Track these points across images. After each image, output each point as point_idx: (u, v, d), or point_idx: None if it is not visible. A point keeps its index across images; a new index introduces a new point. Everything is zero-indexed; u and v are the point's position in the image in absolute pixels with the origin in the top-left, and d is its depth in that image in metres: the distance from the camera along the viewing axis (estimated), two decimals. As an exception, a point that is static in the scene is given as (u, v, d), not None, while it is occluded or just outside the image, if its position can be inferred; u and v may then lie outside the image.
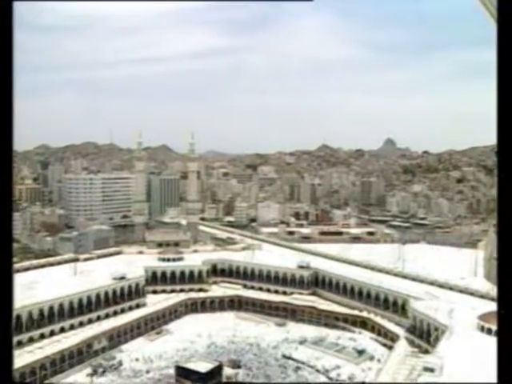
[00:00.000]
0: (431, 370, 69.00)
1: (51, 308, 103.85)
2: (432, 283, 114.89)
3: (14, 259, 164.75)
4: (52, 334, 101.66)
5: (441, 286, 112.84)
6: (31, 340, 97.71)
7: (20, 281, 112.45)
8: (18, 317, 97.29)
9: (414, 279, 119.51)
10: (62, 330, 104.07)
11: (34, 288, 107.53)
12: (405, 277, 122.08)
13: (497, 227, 27.60)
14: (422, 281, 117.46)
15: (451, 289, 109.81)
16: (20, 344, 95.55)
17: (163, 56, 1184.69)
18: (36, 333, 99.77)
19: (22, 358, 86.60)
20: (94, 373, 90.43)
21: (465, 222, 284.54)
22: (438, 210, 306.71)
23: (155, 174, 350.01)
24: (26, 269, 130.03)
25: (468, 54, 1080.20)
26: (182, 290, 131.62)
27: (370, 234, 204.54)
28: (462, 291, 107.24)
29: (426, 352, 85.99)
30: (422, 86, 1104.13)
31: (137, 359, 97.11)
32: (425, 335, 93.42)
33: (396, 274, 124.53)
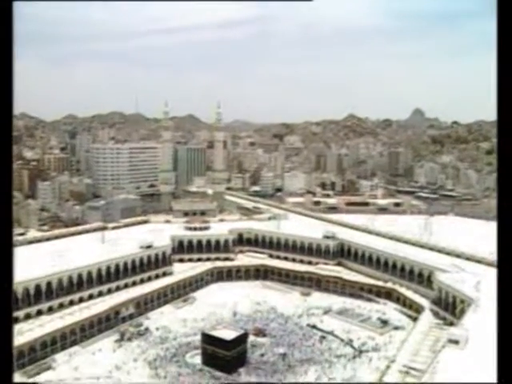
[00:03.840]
0: (456, 342, 68.81)
1: (80, 275, 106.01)
2: (459, 255, 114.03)
3: (45, 227, 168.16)
4: (81, 300, 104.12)
5: (468, 258, 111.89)
6: (61, 306, 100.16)
7: (50, 249, 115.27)
8: (49, 283, 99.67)
9: (440, 251, 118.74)
10: (91, 296, 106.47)
11: (63, 256, 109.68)
12: (431, 248, 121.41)
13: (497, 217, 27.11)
14: (448, 253, 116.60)
15: (478, 261, 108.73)
16: (50, 310, 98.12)
17: (191, 25, 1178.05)
18: (66, 299, 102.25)
19: (53, 323, 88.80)
20: (122, 339, 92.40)
21: (494, 194, 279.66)
22: (467, 182, 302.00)
23: (182, 143, 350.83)
24: (56, 237, 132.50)
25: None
26: (208, 259, 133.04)
27: (397, 204, 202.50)
28: (489, 264, 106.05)
29: (451, 324, 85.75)
30: (452, 54, 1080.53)
31: (163, 326, 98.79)
32: (450, 307, 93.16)
33: (422, 246, 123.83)
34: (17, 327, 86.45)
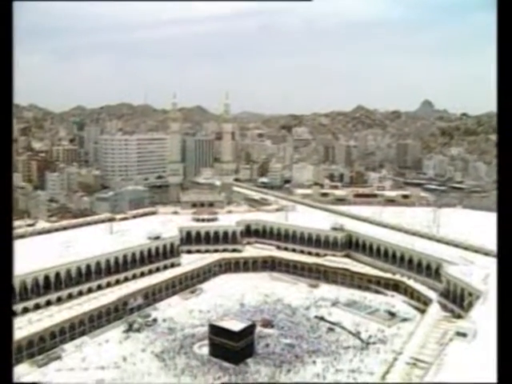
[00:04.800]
0: (464, 335, 68.62)
1: (88, 266, 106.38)
2: (467, 248, 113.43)
3: (54, 218, 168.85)
4: (90, 291, 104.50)
5: (476, 250, 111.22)
6: (70, 297, 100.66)
7: (59, 239, 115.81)
8: (57, 274, 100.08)
9: (448, 243, 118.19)
10: (99, 287, 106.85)
11: (72, 246, 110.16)
12: (439, 241, 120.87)
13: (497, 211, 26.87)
14: (456, 245, 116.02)
15: (487, 254, 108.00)
16: (59, 300, 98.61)
17: (198, 17, 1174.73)
18: (74, 290, 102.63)
19: (62, 314, 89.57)
20: (130, 329, 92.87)
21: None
22: (476, 174, 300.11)
23: (190, 134, 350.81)
24: (65, 228, 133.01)
25: None
26: (216, 251, 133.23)
27: (405, 196, 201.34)
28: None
29: (459, 317, 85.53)
30: (462, 46, 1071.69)
31: (171, 317, 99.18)
32: (458, 300, 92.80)
33: (430, 238, 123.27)
34: (26, 317, 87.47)
